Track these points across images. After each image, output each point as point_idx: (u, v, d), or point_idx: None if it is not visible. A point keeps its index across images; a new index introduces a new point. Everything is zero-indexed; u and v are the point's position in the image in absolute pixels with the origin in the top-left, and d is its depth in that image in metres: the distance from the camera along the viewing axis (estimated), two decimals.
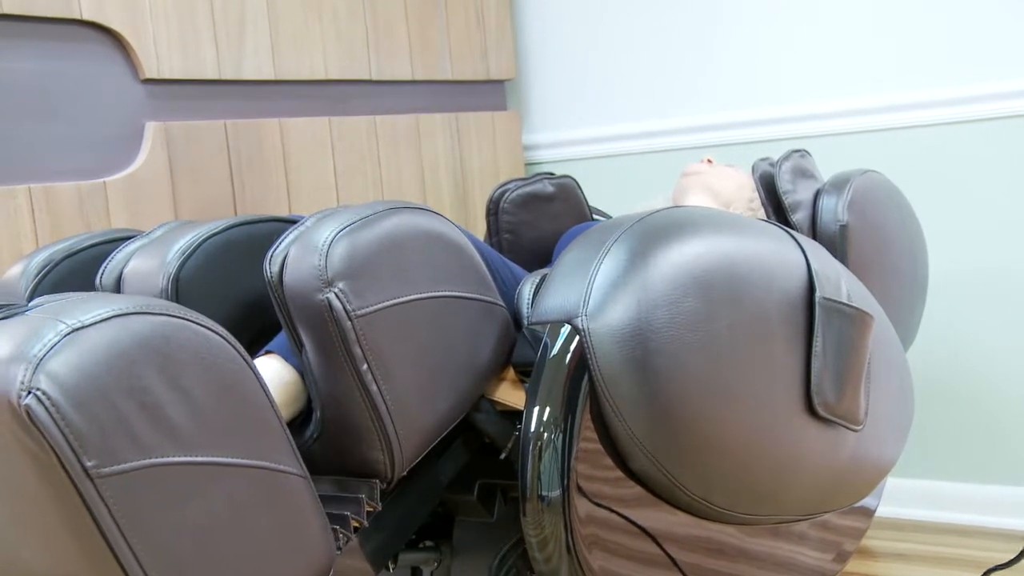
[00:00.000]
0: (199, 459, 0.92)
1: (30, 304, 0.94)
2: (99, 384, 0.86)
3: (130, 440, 0.87)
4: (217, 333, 0.96)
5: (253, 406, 0.98)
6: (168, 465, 0.90)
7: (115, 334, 0.88)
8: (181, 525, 0.91)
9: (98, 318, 0.89)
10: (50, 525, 0.89)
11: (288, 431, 1.02)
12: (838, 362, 1.38)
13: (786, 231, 1.44)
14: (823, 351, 1.36)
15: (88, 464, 0.85)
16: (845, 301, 1.41)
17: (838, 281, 1.43)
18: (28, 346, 0.85)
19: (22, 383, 0.83)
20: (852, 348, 1.41)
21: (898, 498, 2.49)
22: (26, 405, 0.83)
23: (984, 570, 2.09)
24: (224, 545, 0.94)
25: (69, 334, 0.87)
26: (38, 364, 0.84)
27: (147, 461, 0.89)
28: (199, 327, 0.95)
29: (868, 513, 1.68)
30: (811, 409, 1.35)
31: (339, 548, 1.09)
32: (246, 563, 0.96)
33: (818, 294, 1.37)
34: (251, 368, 0.99)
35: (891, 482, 2.46)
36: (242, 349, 0.99)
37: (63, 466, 0.84)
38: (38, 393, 0.83)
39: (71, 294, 0.96)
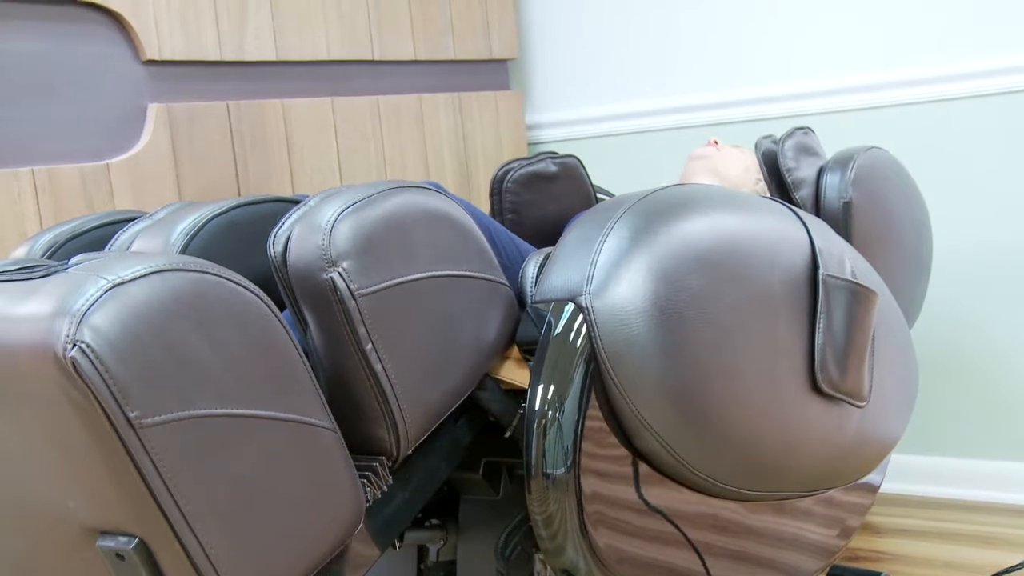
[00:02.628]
0: (236, 411, 0.95)
1: (69, 262, 0.96)
2: (140, 337, 0.89)
3: (170, 392, 0.90)
4: (250, 290, 0.99)
5: (285, 361, 1.01)
6: (207, 417, 0.93)
7: (154, 290, 0.91)
8: (220, 475, 0.93)
9: (137, 274, 0.91)
10: (95, 475, 0.91)
11: (318, 386, 1.05)
12: (842, 339, 1.38)
13: (789, 208, 1.44)
14: (827, 328, 1.36)
15: (131, 414, 0.87)
16: (848, 277, 1.41)
17: (842, 258, 1.43)
18: (71, 301, 0.87)
19: (67, 336, 0.85)
20: (856, 324, 1.41)
21: (902, 474, 2.49)
22: (71, 357, 0.85)
23: (989, 545, 2.10)
24: (260, 496, 0.97)
25: (110, 289, 0.89)
26: (82, 318, 0.86)
27: (187, 413, 0.91)
28: (233, 284, 0.97)
29: (872, 489, 1.68)
30: (815, 386, 1.36)
31: (368, 501, 1.11)
32: (281, 514, 0.99)
33: (822, 271, 1.37)
34: (283, 325, 1.01)
35: (895, 458, 2.47)
36: (273, 306, 1.01)
37: (107, 416, 0.87)
38: (82, 345, 0.85)
39: (108, 252, 0.98)
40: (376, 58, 2.33)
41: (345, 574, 1.14)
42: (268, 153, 2.06)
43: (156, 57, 1.87)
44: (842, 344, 1.38)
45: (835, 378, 1.37)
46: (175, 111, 1.90)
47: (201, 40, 1.95)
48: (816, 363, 1.35)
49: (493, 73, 2.73)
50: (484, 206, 2.55)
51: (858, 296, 1.41)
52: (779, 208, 1.42)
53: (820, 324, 1.35)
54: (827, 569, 1.74)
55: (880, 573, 1.74)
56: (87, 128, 1.79)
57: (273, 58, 2.09)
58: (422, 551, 1.54)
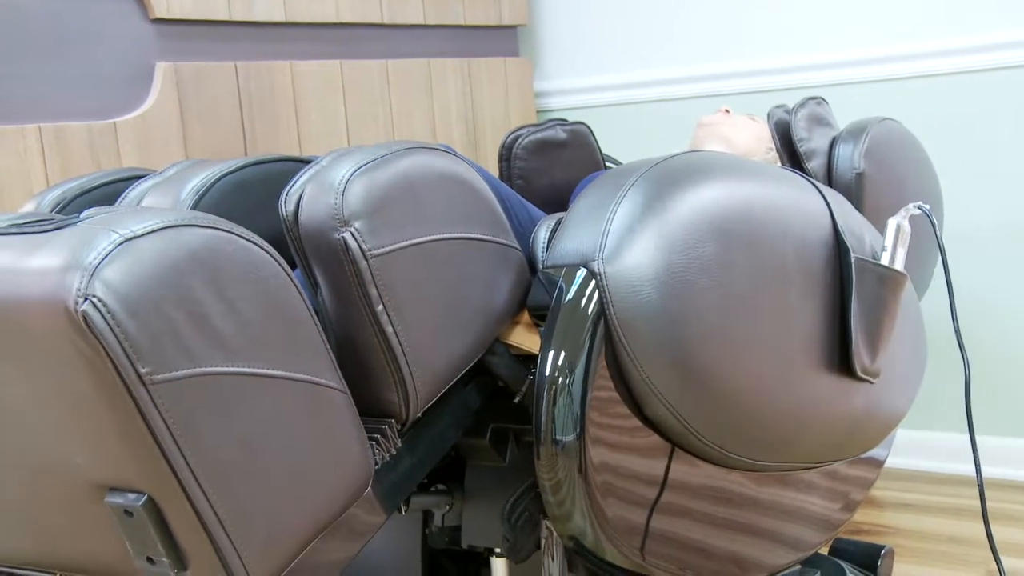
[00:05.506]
0: (246, 370, 0.94)
1: (81, 215, 0.94)
2: (152, 293, 0.88)
3: (181, 349, 0.89)
4: (263, 248, 0.98)
5: (297, 320, 1.00)
6: (217, 375, 0.92)
7: (166, 245, 0.90)
8: (229, 433, 0.93)
9: (149, 229, 0.90)
10: (104, 431, 0.91)
11: (329, 346, 1.04)
12: (872, 323, 1.38)
13: (807, 179, 1.43)
14: (858, 312, 1.35)
15: (142, 370, 0.86)
16: (885, 264, 1.41)
17: (862, 234, 1.43)
18: (83, 255, 0.86)
19: (79, 290, 0.85)
20: (884, 308, 1.40)
21: (906, 449, 2.49)
22: (83, 311, 0.84)
23: (993, 521, 2.10)
24: (268, 455, 0.96)
25: (122, 244, 0.88)
26: (93, 272, 0.85)
27: (197, 370, 0.90)
28: (245, 241, 0.96)
29: (877, 463, 1.68)
30: (828, 360, 1.35)
31: (376, 463, 1.11)
32: (290, 473, 0.98)
33: (854, 255, 1.36)
34: (294, 283, 1.00)
35: (900, 433, 2.47)
36: (285, 264, 1.00)
37: (118, 372, 0.86)
38: (94, 299, 0.84)
39: (120, 206, 0.97)
40: (386, 21, 2.31)
41: (352, 536, 1.14)
42: (276, 114, 2.04)
43: (165, 15, 1.86)
44: (871, 328, 1.38)
45: (867, 363, 1.37)
46: (183, 70, 1.88)
47: None
48: (851, 351, 1.35)
49: (503, 39, 2.71)
50: (492, 172, 2.54)
51: (887, 279, 1.41)
52: (795, 178, 1.41)
53: (853, 309, 1.35)
54: (830, 542, 1.74)
55: (883, 547, 1.74)
56: (95, 86, 1.78)
57: (282, 19, 2.07)
58: (427, 516, 1.54)
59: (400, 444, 1.16)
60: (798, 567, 1.55)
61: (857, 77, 2.44)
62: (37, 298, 0.86)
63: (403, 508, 1.42)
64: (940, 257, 1.57)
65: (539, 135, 1.92)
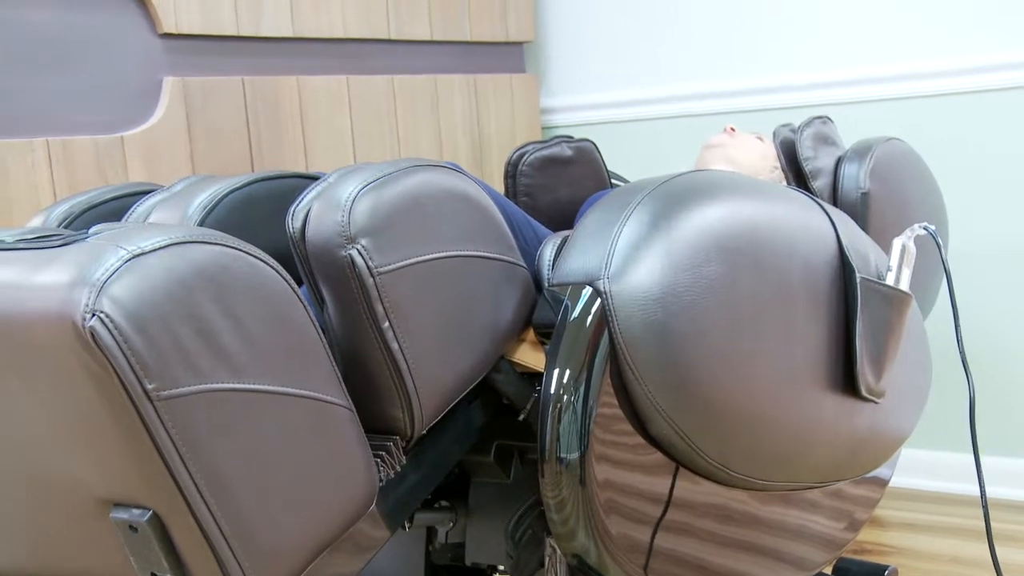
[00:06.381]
0: (252, 386, 0.95)
1: (90, 231, 0.95)
2: (159, 309, 0.88)
3: (188, 365, 0.90)
4: (269, 265, 0.98)
5: (303, 338, 1.00)
6: (223, 391, 0.92)
7: (173, 261, 0.90)
8: (236, 450, 0.93)
9: (157, 245, 0.90)
10: (110, 447, 0.91)
11: (335, 363, 1.04)
12: (876, 343, 1.38)
13: (813, 199, 1.43)
14: (863, 332, 1.35)
15: (148, 386, 0.87)
16: (885, 282, 1.41)
17: (867, 254, 1.43)
18: (91, 271, 0.87)
19: (86, 306, 0.85)
20: (889, 328, 1.40)
21: (910, 468, 2.49)
22: (91, 327, 0.85)
23: (995, 541, 2.09)
24: (275, 472, 0.97)
25: (130, 260, 0.88)
26: (101, 288, 0.86)
27: (203, 386, 0.91)
28: (252, 258, 0.97)
29: (882, 483, 1.68)
30: (832, 380, 1.35)
31: (381, 480, 1.11)
32: (295, 490, 0.99)
33: (859, 275, 1.36)
34: (301, 301, 1.00)
35: (903, 452, 2.46)
36: (291, 281, 1.00)
37: (125, 388, 0.86)
38: (102, 316, 0.85)
39: (128, 222, 0.97)
40: (392, 37, 2.32)
41: (356, 552, 1.14)
42: (282, 129, 2.05)
43: (173, 30, 1.87)
44: (876, 348, 1.38)
45: (871, 384, 1.37)
46: (190, 85, 1.89)
47: (218, 14, 1.94)
48: (856, 369, 1.35)
49: (509, 56, 2.72)
50: (497, 189, 2.54)
51: (892, 300, 1.41)
52: (802, 198, 1.41)
53: (858, 329, 1.35)
54: (834, 562, 1.74)
55: (887, 567, 1.74)
56: (102, 100, 1.79)
57: (290, 34, 2.08)
58: (431, 532, 1.54)
59: (405, 461, 1.16)
60: None
61: (863, 96, 2.44)
62: (45, 314, 0.87)
63: (407, 524, 1.42)
64: (945, 277, 1.57)
65: (545, 152, 1.92)
